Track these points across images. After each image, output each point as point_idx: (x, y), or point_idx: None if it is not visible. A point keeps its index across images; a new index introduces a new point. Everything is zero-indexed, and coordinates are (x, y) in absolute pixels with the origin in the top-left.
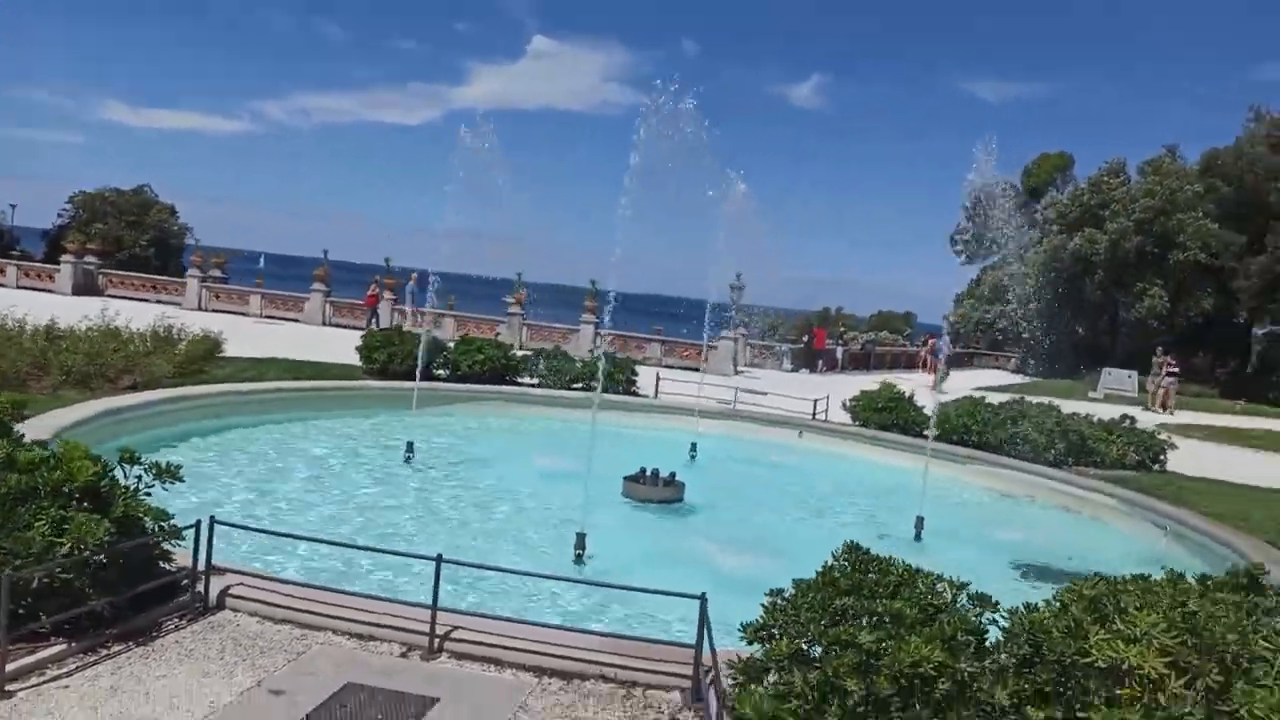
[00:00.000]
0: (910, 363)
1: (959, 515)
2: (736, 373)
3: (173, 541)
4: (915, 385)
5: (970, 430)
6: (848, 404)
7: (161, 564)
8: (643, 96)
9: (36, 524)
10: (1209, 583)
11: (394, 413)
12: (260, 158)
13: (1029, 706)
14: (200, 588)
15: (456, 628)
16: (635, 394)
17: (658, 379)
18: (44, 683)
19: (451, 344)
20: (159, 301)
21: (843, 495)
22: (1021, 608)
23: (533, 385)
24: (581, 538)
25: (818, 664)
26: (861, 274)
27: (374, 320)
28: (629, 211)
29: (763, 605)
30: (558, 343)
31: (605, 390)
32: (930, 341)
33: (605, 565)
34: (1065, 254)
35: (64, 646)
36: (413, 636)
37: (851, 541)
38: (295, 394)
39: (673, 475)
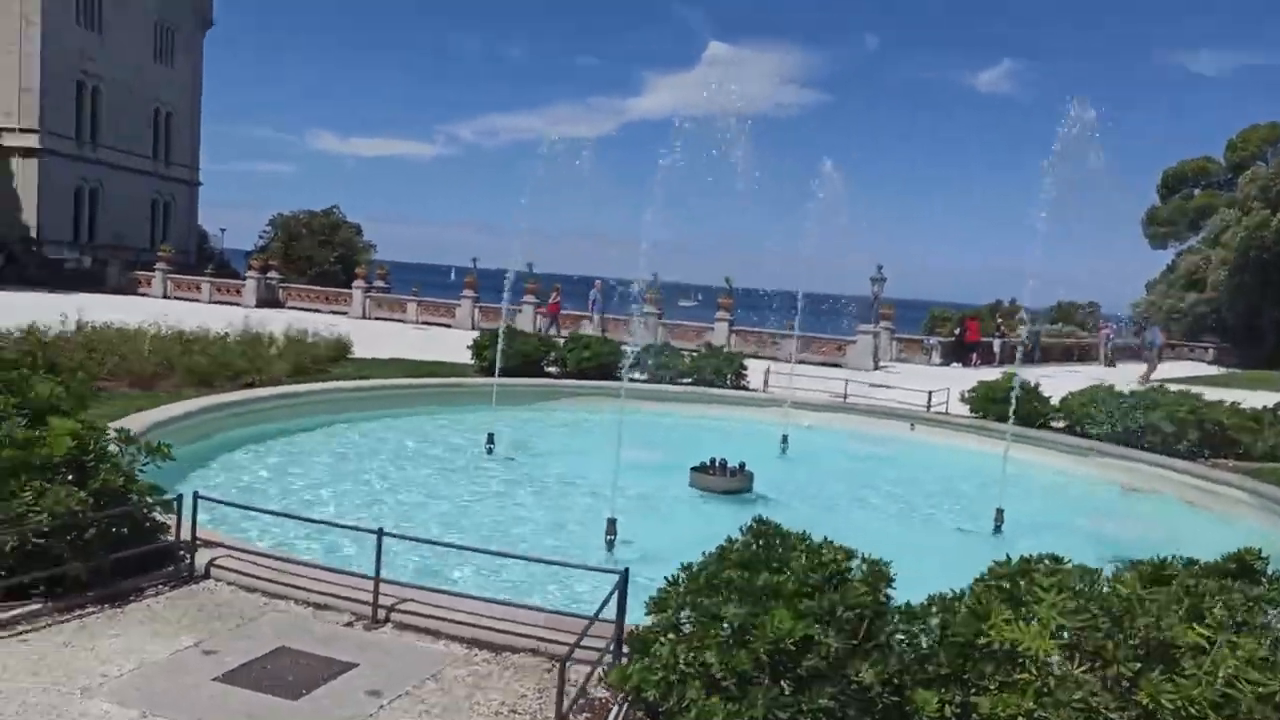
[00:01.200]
0: (1084, 354)
1: (1060, 508)
2: (877, 368)
3: (162, 513)
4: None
5: (1095, 421)
6: (965, 395)
7: (160, 536)
8: (821, 94)
9: (22, 494)
10: (1194, 568)
11: (493, 408)
12: (453, 178)
13: (920, 690)
14: (189, 558)
15: (404, 600)
16: (744, 388)
17: (766, 373)
18: (9, 636)
19: (560, 341)
20: (331, 311)
21: (934, 488)
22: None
23: (642, 380)
24: (612, 523)
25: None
26: (1044, 264)
27: (555, 327)
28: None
29: (665, 579)
30: (695, 339)
31: (713, 385)
32: (1103, 331)
33: (637, 552)
34: (1269, 231)
35: (40, 605)
36: (362, 607)
37: (759, 517)
38: (395, 391)
39: (741, 466)
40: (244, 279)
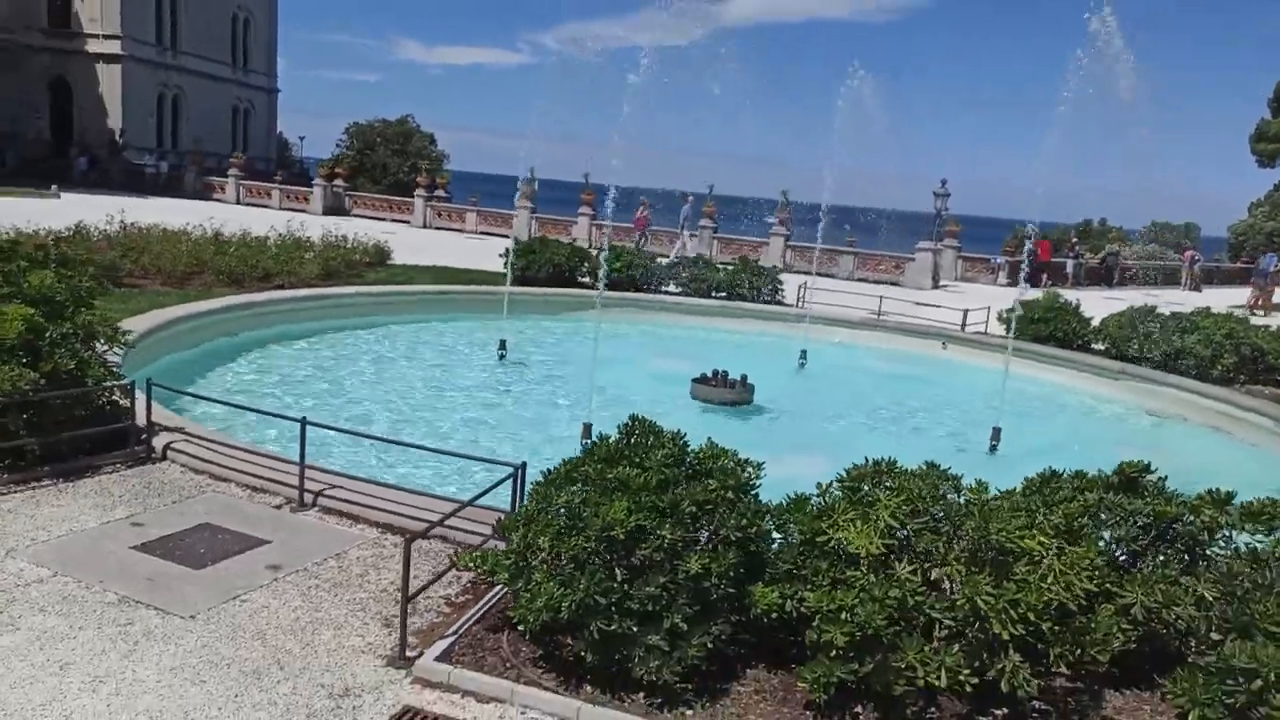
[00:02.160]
0: (1170, 278)
1: (1071, 431)
2: (937, 287)
3: (122, 397)
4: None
5: (1131, 342)
6: (1003, 315)
7: (123, 420)
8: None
9: None
10: (1079, 480)
11: (522, 318)
12: (536, 87)
13: (761, 585)
14: (148, 441)
15: (334, 486)
16: (780, 304)
17: (800, 289)
18: None
19: (596, 253)
20: (394, 220)
21: (945, 407)
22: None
23: (675, 294)
24: (588, 428)
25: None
26: (1143, 183)
27: (644, 241)
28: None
29: (542, 472)
30: (748, 255)
31: (746, 300)
32: (1189, 253)
33: None
34: None
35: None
36: (294, 491)
37: (635, 415)
38: (415, 296)
39: (743, 378)
40: (312, 186)
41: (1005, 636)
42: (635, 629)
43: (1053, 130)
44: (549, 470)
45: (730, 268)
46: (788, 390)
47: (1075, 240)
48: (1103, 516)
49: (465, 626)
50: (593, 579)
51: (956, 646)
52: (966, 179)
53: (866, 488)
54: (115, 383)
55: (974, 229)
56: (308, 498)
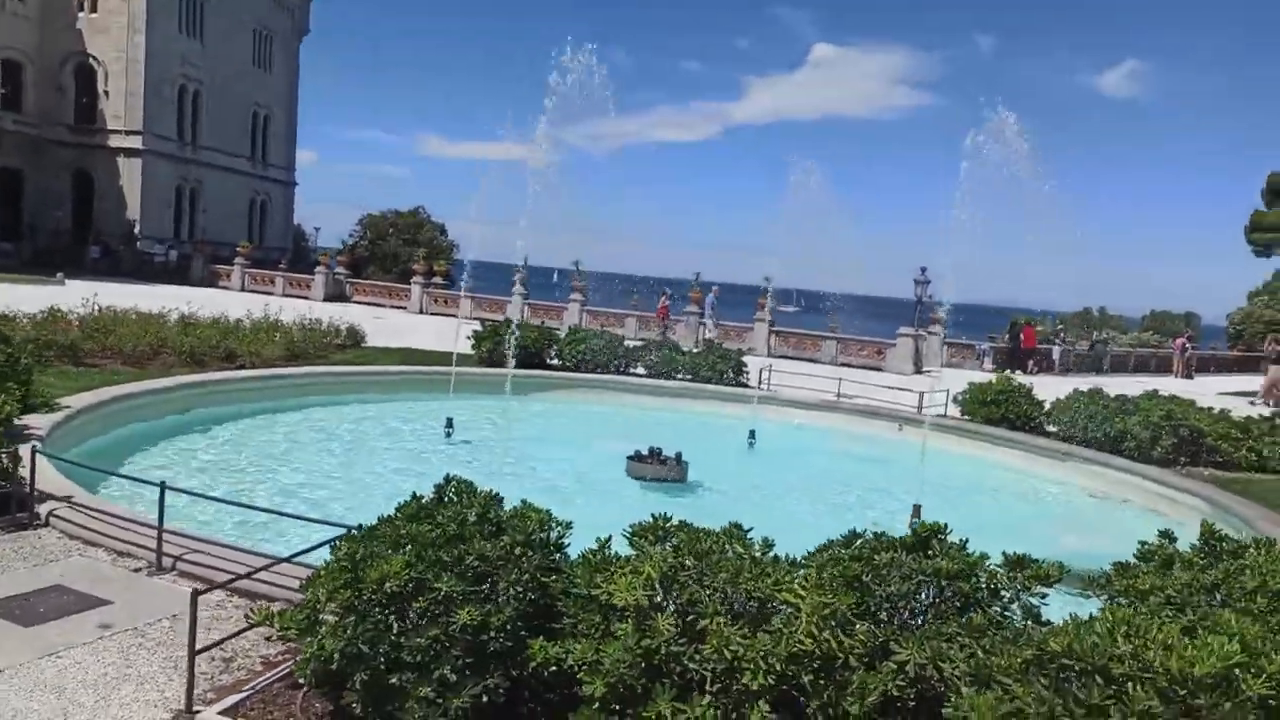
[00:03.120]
0: (1162, 366)
1: (1010, 511)
2: (919, 372)
3: (8, 462)
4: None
5: (1076, 425)
6: (958, 397)
7: (10, 486)
8: (934, 96)
9: None
10: (877, 541)
11: (482, 397)
12: (555, 180)
13: (541, 638)
14: (37, 508)
15: (193, 550)
16: (744, 385)
17: (761, 371)
18: None
19: (562, 334)
20: (392, 306)
21: (880, 485)
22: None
23: (643, 375)
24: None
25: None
26: (1144, 268)
27: (666, 332)
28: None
29: (355, 527)
30: (735, 340)
31: (709, 381)
32: (1179, 341)
33: None
34: None
35: None
36: (154, 555)
37: (450, 474)
38: (371, 377)
39: (678, 456)
40: (314, 274)
41: (754, 687)
42: (409, 681)
43: (1050, 220)
44: (360, 526)
45: (694, 351)
46: (728, 468)
47: (1061, 327)
48: (893, 574)
49: (267, 683)
50: (357, 629)
51: (708, 698)
52: (969, 266)
53: (647, 542)
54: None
55: (974, 316)
56: (166, 561)
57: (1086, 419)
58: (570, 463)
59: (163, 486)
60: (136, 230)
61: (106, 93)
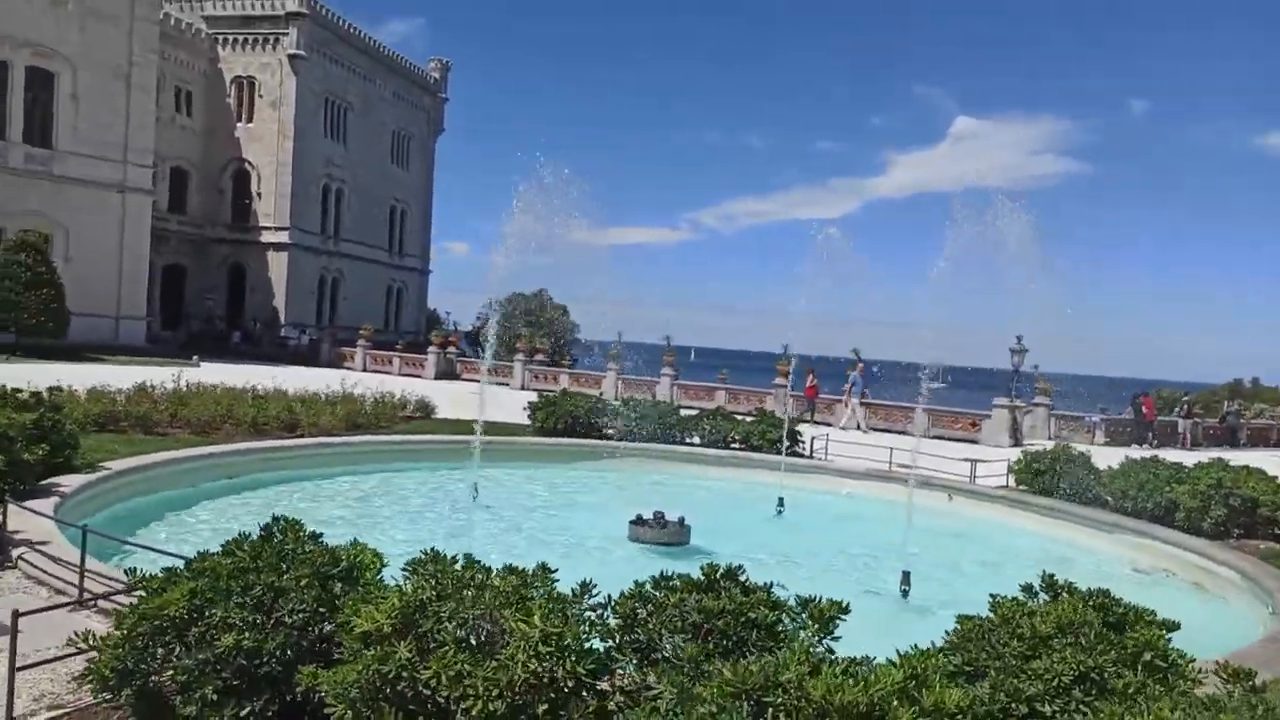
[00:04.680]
0: None
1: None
2: (1018, 445)
3: None
4: None
5: (1126, 495)
6: (1011, 465)
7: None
8: (1082, 164)
9: None
10: (676, 581)
11: (524, 465)
12: (696, 261)
13: (310, 665)
14: (11, 550)
15: (116, 590)
16: (798, 454)
17: (812, 440)
18: None
19: (617, 403)
20: (497, 382)
21: (896, 554)
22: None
23: (697, 445)
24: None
25: None
26: None
27: (813, 411)
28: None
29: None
30: (824, 414)
31: (761, 450)
32: None
33: None
34: None
35: None
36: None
37: (277, 515)
38: (419, 446)
39: (680, 520)
40: (427, 354)
41: (475, 712)
42: (177, 699)
43: (1197, 289)
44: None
45: (749, 419)
46: (742, 534)
47: (1188, 398)
48: (668, 611)
49: (93, 703)
50: (122, 648)
51: None
52: (1099, 338)
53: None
54: None
55: (1097, 388)
56: (88, 597)
57: (1137, 488)
58: (581, 526)
59: (84, 529)
60: (281, 317)
61: (259, 194)
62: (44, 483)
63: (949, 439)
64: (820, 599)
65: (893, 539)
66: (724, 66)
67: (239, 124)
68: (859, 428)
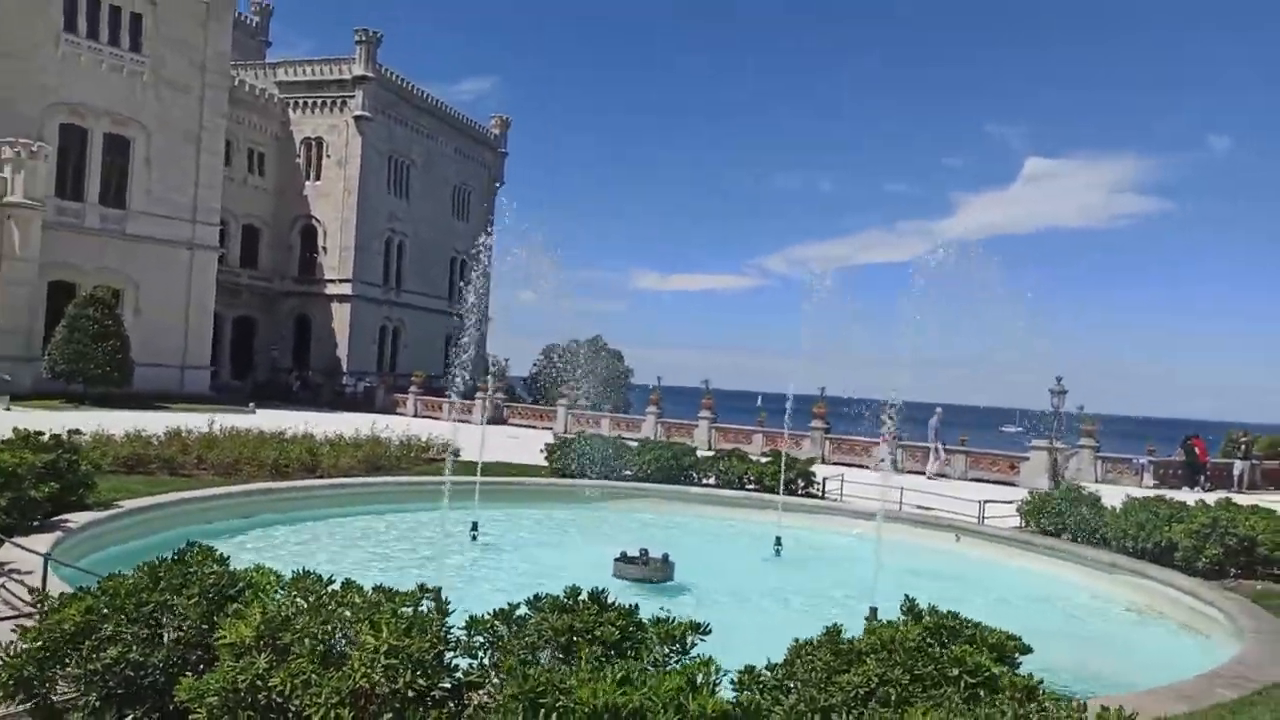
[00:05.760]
0: None
1: (1019, 623)
2: (1058, 487)
3: None
4: None
5: (1127, 535)
6: (1020, 506)
7: None
8: (1163, 201)
9: None
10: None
11: (532, 505)
12: (766, 308)
13: (188, 676)
14: None
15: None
16: (811, 495)
17: (824, 481)
18: None
19: (635, 445)
20: (543, 427)
21: (876, 595)
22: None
23: (711, 485)
24: (438, 591)
25: None
26: None
27: (892, 458)
28: None
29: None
30: (859, 456)
31: (772, 491)
32: None
33: None
34: None
35: None
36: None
37: (191, 540)
38: (418, 487)
39: (664, 557)
40: (475, 400)
41: (314, 716)
42: (68, 705)
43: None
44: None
45: (764, 460)
46: (731, 573)
47: (1244, 438)
48: (529, 629)
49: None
50: (20, 658)
51: None
52: (1168, 378)
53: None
54: None
55: (1160, 430)
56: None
57: (1137, 528)
58: (570, 563)
59: (47, 558)
60: (344, 366)
61: (325, 248)
62: (54, 519)
63: (987, 481)
64: (674, 620)
65: (882, 580)
66: (793, 110)
67: (307, 182)
68: (940, 474)
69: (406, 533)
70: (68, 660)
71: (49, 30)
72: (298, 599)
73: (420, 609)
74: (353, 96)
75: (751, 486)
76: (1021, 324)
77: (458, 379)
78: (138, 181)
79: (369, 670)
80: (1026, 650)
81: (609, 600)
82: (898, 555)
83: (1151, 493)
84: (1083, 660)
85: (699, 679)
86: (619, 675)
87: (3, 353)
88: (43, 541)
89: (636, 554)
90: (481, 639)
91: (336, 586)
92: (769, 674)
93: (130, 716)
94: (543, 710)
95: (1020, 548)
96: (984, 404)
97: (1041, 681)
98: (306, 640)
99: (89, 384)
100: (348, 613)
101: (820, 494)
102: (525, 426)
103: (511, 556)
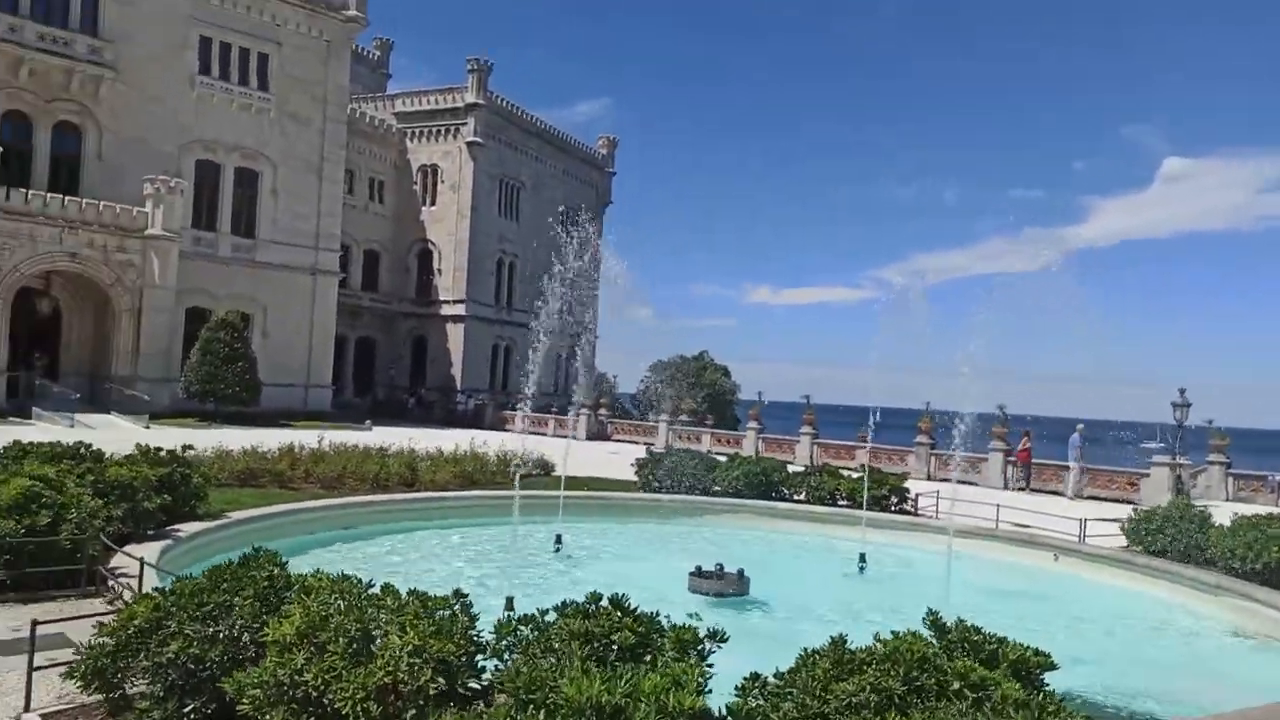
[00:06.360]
0: None
1: (1098, 648)
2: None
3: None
4: None
5: (1234, 555)
6: (1123, 525)
7: (96, 565)
8: None
9: None
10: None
11: (619, 520)
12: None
13: (237, 671)
14: (109, 581)
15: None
16: (904, 511)
17: (916, 496)
18: None
19: (723, 460)
20: (643, 442)
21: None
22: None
23: (800, 501)
24: (510, 600)
25: None
26: None
27: (1026, 476)
28: None
29: None
30: (965, 472)
31: (865, 506)
32: None
33: None
34: None
35: None
36: None
37: (256, 546)
38: (529, 501)
39: (740, 572)
40: (578, 415)
41: (344, 710)
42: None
43: None
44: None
45: (855, 474)
46: (812, 589)
47: None
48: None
49: (95, 701)
50: (97, 652)
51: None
52: None
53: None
54: (77, 536)
55: None
56: None
57: (1245, 548)
58: (648, 576)
59: (141, 562)
60: (458, 384)
61: (440, 270)
62: (167, 528)
63: (1105, 499)
64: (688, 627)
65: (965, 598)
66: (912, 118)
67: (423, 208)
68: (1080, 495)
69: (492, 544)
70: (137, 654)
71: (185, 74)
72: (337, 600)
73: (448, 613)
74: (465, 123)
75: (843, 502)
76: (1149, 337)
77: (566, 396)
78: (265, 212)
79: (393, 668)
80: (1051, 667)
81: (632, 607)
82: (987, 574)
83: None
84: (1170, 685)
85: (684, 679)
86: (606, 675)
87: (145, 374)
88: (151, 550)
89: (712, 568)
90: (507, 642)
91: (376, 590)
92: (775, 681)
93: (190, 706)
94: (531, 706)
95: (1121, 567)
96: (1090, 417)
97: (1051, 696)
98: (340, 638)
99: (220, 403)
100: (381, 614)
101: (913, 510)
102: (627, 442)
103: (591, 568)
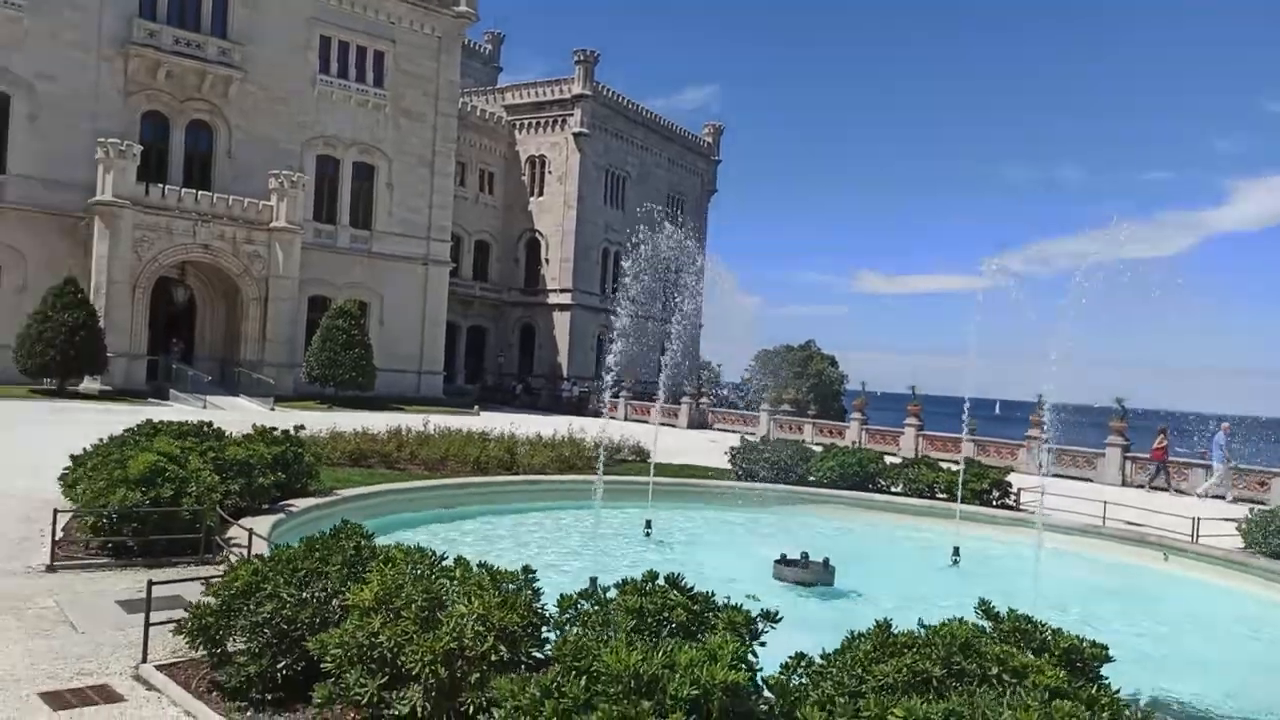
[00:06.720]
0: None
1: (1182, 648)
2: None
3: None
4: None
5: None
6: (1241, 525)
7: (215, 535)
8: None
9: (111, 495)
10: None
11: (711, 507)
12: (999, 309)
13: (322, 632)
14: (225, 550)
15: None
16: (1006, 506)
17: (1019, 492)
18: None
19: (819, 450)
20: (746, 431)
21: (1042, 611)
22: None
23: (897, 493)
24: (593, 580)
25: None
26: None
27: (1165, 476)
28: None
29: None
30: (1082, 469)
31: (965, 501)
32: None
33: None
34: None
35: (109, 560)
36: None
37: (345, 519)
38: (622, 486)
39: (825, 561)
40: (680, 405)
41: (414, 671)
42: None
43: None
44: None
45: (957, 467)
46: (901, 580)
47: None
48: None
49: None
50: (202, 610)
51: (385, 678)
52: None
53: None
54: (195, 507)
55: None
56: None
57: None
58: (734, 563)
59: (250, 532)
60: (564, 371)
61: (547, 260)
62: (281, 503)
63: (1241, 500)
64: (741, 607)
65: (1062, 594)
66: (1038, 100)
67: (531, 198)
68: (1220, 495)
69: (583, 526)
70: (238, 614)
71: (307, 73)
72: (412, 569)
73: (514, 586)
74: (572, 114)
75: (942, 496)
76: None
77: (667, 384)
78: (380, 204)
79: (459, 634)
80: (1106, 659)
81: (688, 586)
82: (1088, 571)
83: None
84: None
85: (720, 653)
86: (647, 646)
87: (271, 360)
88: (264, 522)
89: (797, 557)
90: (569, 616)
91: (449, 563)
92: (820, 661)
93: (282, 664)
94: (575, 673)
95: (1236, 569)
96: (1204, 410)
97: (1106, 689)
98: (412, 605)
99: (339, 387)
100: (453, 585)
101: (1015, 505)
102: (728, 431)
103: (678, 553)
